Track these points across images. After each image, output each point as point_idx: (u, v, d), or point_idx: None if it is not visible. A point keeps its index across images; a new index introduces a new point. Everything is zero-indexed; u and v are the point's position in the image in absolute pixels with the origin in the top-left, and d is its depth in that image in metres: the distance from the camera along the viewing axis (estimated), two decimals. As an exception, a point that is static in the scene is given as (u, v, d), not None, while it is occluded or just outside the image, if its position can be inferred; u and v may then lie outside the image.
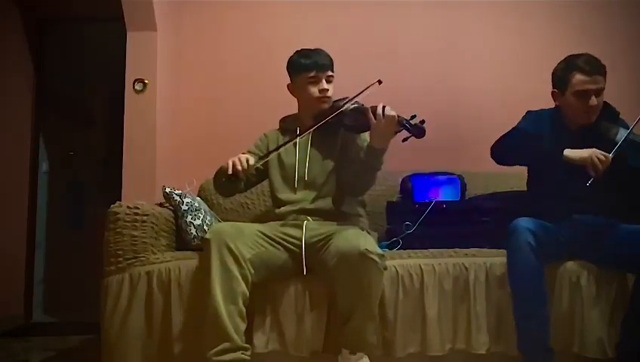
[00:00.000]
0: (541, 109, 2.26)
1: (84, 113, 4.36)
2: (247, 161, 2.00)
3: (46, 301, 3.85)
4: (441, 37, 3.19)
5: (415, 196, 2.46)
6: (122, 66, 2.97)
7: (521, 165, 2.28)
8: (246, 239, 1.94)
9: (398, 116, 1.90)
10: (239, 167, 1.98)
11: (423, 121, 1.87)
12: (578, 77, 2.08)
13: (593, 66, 2.08)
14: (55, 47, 3.91)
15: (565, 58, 2.16)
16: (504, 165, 2.25)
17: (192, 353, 1.98)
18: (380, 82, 2.00)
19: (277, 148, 2.14)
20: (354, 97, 2.10)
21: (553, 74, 2.19)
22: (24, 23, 3.70)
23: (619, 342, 1.96)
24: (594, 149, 2.00)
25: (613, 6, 3.18)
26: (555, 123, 2.18)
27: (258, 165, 2.16)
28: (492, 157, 2.21)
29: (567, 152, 2.02)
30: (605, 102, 2.15)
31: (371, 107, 1.99)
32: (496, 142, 2.20)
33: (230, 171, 1.98)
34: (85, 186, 4.25)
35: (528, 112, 2.27)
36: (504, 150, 2.18)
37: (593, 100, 2.07)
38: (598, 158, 1.97)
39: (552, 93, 2.19)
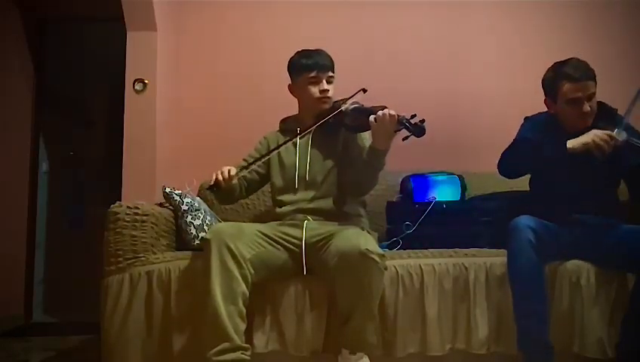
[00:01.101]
0: (538, 113, 2.25)
1: (84, 113, 4.37)
2: (229, 171, 2.05)
3: (46, 301, 3.85)
4: (441, 37, 3.18)
5: (415, 196, 2.46)
6: (122, 66, 2.97)
7: (530, 173, 2.26)
8: (246, 239, 1.94)
9: (398, 115, 1.91)
10: (220, 178, 2.04)
11: (423, 120, 1.87)
12: (567, 86, 2.06)
13: (582, 72, 2.06)
14: (55, 47, 3.91)
15: (552, 66, 2.14)
16: (514, 178, 2.23)
17: (191, 353, 1.98)
18: (364, 91, 2.03)
19: (273, 150, 2.16)
20: (347, 99, 2.11)
21: (543, 82, 2.17)
22: (24, 23, 3.70)
23: (619, 342, 1.96)
24: (594, 131, 1.99)
25: (613, 6, 3.17)
26: (554, 126, 2.17)
27: (245, 173, 2.20)
28: (501, 173, 2.18)
29: (570, 143, 2.00)
30: (600, 102, 2.14)
31: (371, 107, 2.00)
32: (502, 157, 2.17)
33: (212, 182, 2.05)
34: (85, 186, 4.25)
35: (526, 119, 2.26)
36: (511, 165, 2.16)
37: (586, 106, 2.05)
38: (601, 138, 1.96)
39: (545, 101, 2.19)
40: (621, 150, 2.00)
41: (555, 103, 2.14)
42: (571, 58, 2.11)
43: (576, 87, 2.05)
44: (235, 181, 2.12)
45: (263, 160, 2.20)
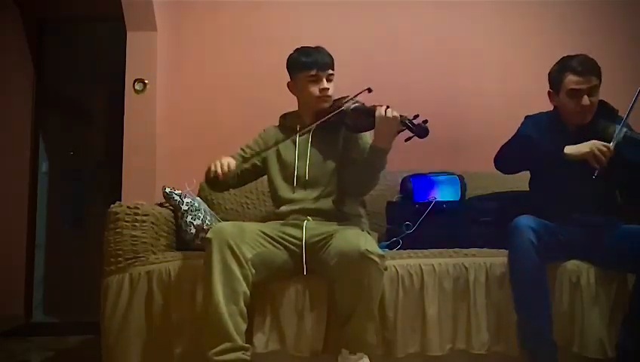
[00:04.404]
0: (539, 113, 2.26)
1: (84, 113, 4.35)
2: (229, 165, 2.08)
3: (46, 301, 3.84)
4: (441, 37, 3.19)
5: (415, 196, 2.46)
6: (122, 66, 2.97)
7: (526, 170, 2.27)
8: (247, 239, 1.94)
9: (401, 116, 1.90)
10: (219, 171, 2.06)
11: (425, 121, 1.87)
12: (570, 77, 2.09)
13: (586, 66, 2.08)
14: (55, 47, 3.91)
15: (560, 59, 2.17)
16: (509, 173, 2.24)
17: (192, 353, 1.98)
18: (369, 90, 2.00)
19: (271, 147, 2.18)
20: (352, 97, 2.10)
21: (549, 75, 2.20)
22: (24, 22, 3.70)
23: (619, 342, 1.96)
24: (593, 141, 2.01)
25: (613, 6, 3.18)
26: (554, 125, 2.18)
27: (245, 167, 2.24)
28: (497, 167, 2.20)
29: (568, 149, 2.02)
30: (602, 101, 2.15)
31: (372, 106, 1.99)
32: (499, 152, 2.19)
33: (212, 175, 2.08)
34: (85, 186, 4.25)
35: (526, 117, 2.27)
36: (507, 159, 2.18)
37: (585, 100, 2.07)
38: (600, 150, 1.98)
39: (548, 93, 2.20)
40: (621, 148, 2.01)
41: (557, 95, 2.15)
42: (580, 54, 2.13)
43: (579, 80, 2.07)
44: (232, 175, 2.16)
45: (262, 155, 2.24)
